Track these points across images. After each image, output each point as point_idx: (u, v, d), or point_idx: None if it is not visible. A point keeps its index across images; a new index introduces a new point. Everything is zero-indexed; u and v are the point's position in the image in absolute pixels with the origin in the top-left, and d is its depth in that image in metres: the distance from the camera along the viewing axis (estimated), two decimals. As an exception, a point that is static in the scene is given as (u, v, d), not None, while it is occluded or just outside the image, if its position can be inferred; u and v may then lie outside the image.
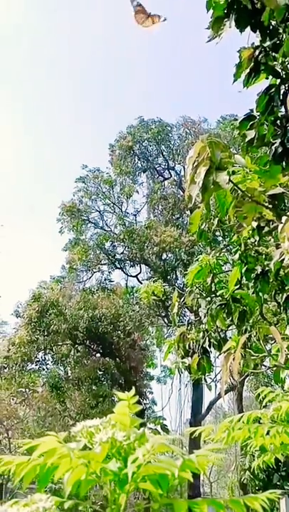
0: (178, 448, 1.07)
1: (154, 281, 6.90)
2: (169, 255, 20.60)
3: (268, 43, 3.17)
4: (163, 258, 20.71)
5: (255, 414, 2.83)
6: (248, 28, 3.08)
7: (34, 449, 1.01)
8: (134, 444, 1.05)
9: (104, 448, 1.01)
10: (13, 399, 20.52)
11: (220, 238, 6.24)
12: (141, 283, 20.55)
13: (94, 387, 18.36)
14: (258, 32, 3.11)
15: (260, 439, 2.73)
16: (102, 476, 1.02)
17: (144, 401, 19.36)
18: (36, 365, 19.10)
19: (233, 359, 3.63)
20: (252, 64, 3.19)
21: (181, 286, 18.00)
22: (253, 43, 3.19)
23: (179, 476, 0.98)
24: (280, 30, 3.13)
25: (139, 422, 1.13)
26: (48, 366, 19.47)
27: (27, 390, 19.65)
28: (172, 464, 1.02)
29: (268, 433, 2.70)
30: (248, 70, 3.22)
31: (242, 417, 2.77)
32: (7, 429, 21.07)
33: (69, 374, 19.43)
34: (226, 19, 3.07)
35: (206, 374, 5.58)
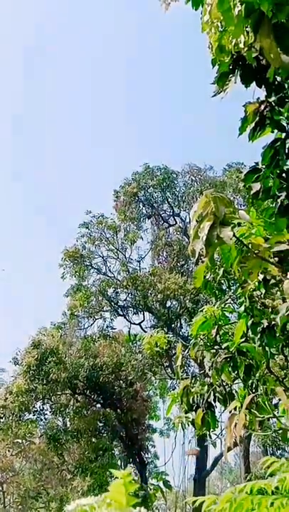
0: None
1: (157, 332, 6.71)
2: (174, 303, 20.33)
3: (273, 98, 3.21)
4: (167, 306, 20.44)
5: (259, 485, 2.73)
6: (254, 83, 3.13)
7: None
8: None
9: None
10: (8, 450, 19.78)
11: (225, 287, 6.15)
12: (144, 331, 20.17)
13: (93, 440, 17.69)
14: (263, 86, 3.16)
15: (264, 511, 2.61)
16: None
17: (146, 455, 18.57)
18: (34, 415, 18.52)
19: (237, 420, 3.46)
20: (257, 118, 3.22)
21: (186, 334, 17.69)
22: (259, 98, 3.23)
23: None
24: (286, 86, 3.18)
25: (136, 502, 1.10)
26: (46, 416, 18.87)
27: (23, 441, 18.98)
28: None
29: (272, 504, 2.59)
30: (253, 124, 3.24)
31: (245, 487, 2.66)
32: (1, 482, 20.21)
33: (68, 425, 18.77)
34: (231, 75, 3.13)
35: (211, 430, 5.38)
